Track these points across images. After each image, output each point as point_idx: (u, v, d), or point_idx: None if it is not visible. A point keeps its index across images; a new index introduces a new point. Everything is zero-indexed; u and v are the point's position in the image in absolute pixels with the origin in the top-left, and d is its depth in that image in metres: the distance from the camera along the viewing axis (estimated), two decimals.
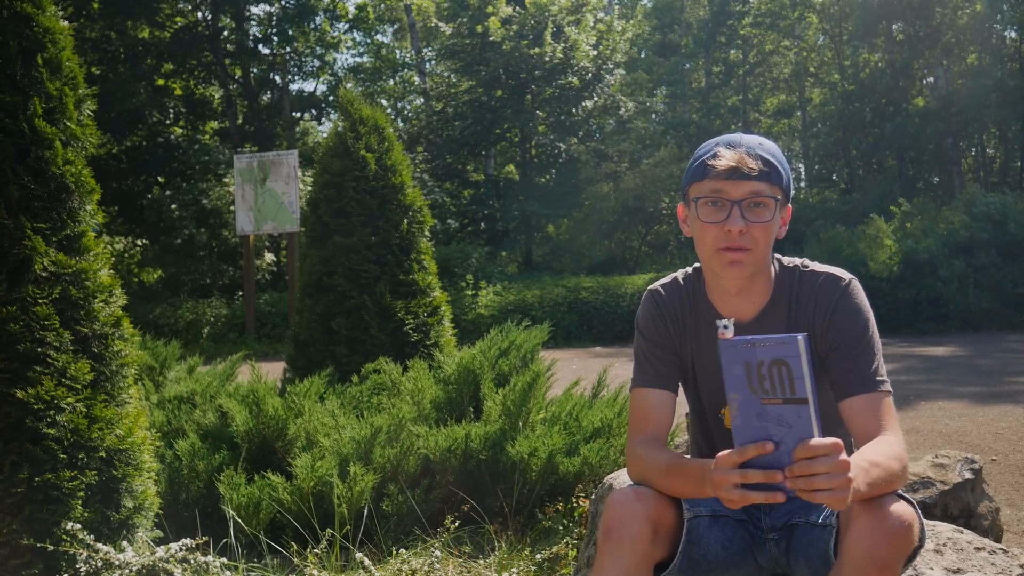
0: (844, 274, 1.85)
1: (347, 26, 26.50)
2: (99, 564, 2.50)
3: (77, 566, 2.48)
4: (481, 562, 3.04)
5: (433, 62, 24.81)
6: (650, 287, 2.01)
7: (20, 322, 2.48)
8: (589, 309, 14.94)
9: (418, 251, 5.11)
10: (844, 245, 14.75)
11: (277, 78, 24.75)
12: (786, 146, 29.66)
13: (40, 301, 2.51)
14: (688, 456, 1.89)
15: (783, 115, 28.83)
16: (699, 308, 1.93)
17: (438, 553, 2.92)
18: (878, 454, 1.63)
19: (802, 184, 28.27)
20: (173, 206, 18.24)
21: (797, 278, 1.88)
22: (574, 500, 3.43)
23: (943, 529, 2.21)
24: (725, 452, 1.48)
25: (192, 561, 2.65)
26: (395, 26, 28.51)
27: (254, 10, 26.34)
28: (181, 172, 21.29)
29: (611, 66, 22.01)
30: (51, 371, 2.51)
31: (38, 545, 2.45)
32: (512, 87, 21.10)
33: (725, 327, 1.43)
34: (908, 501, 1.65)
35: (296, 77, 25.97)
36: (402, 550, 2.98)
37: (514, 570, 2.86)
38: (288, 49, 24.44)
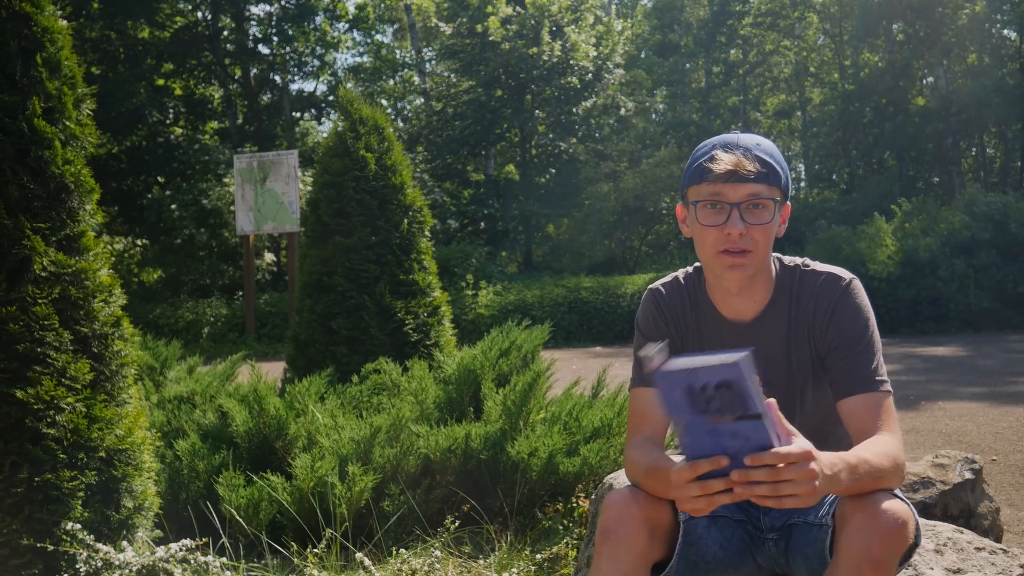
0: (845, 273, 1.86)
1: (347, 26, 26.51)
2: (99, 564, 2.49)
3: (77, 566, 2.48)
4: (481, 562, 3.04)
5: (433, 62, 24.81)
6: (650, 286, 2.00)
7: (20, 322, 2.48)
8: (589, 309, 14.94)
9: (418, 251, 5.11)
10: (843, 245, 14.75)
11: (277, 78, 24.76)
12: (786, 146, 29.66)
13: (40, 301, 2.51)
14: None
15: (783, 115, 28.83)
16: (700, 307, 1.93)
17: (438, 553, 2.92)
18: (867, 450, 1.64)
19: (802, 184, 28.27)
20: (173, 206, 18.25)
21: (798, 277, 1.88)
22: (574, 500, 3.43)
23: (943, 529, 2.21)
24: (678, 469, 1.46)
25: (192, 561, 2.65)
26: (395, 26, 28.52)
27: (254, 10, 26.37)
28: (181, 172, 21.29)
29: (611, 66, 22.02)
30: (51, 371, 2.51)
31: (38, 545, 2.45)
32: (512, 87, 21.10)
33: (658, 351, 1.36)
34: (903, 500, 1.65)
35: (296, 77, 26.00)
36: (402, 550, 2.98)
37: (514, 570, 2.86)
38: (288, 49, 24.44)
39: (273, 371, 5.08)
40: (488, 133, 21.58)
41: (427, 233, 5.23)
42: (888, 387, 1.78)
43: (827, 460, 1.50)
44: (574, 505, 3.39)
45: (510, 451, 3.37)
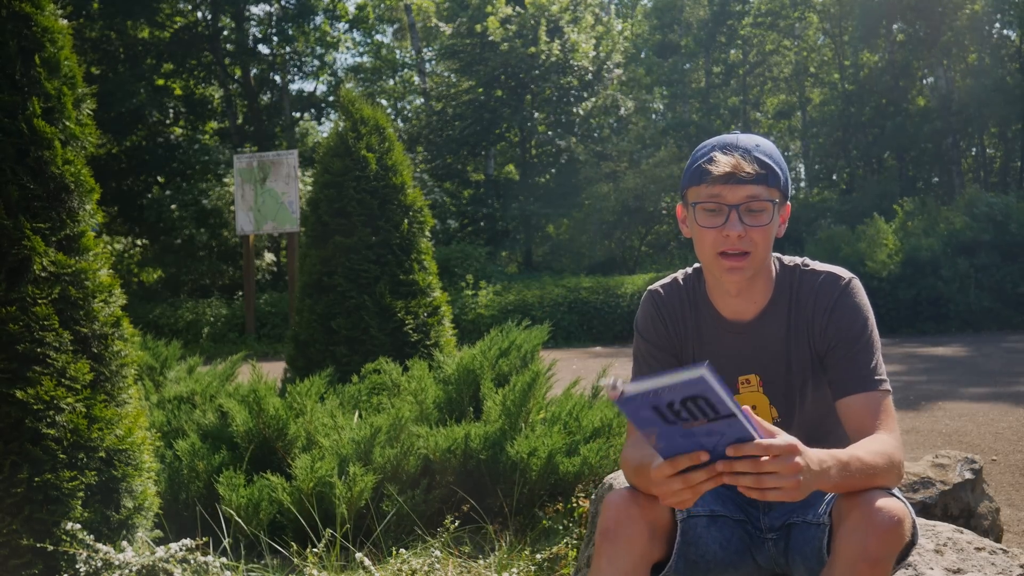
0: (844, 273, 1.86)
1: (347, 26, 26.51)
2: (99, 564, 2.49)
3: (77, 566, 2.48)
4: (481, 562, 3.04)
5: (433, 62, 24.81)
6: (649, 288, 2.00)
7: (19, 322, 2.48)
8: (589, 309, 14.94)
9: (418, 251, 5.11)
10: (843, 245, 14.75)
11: (277, 78, 24.76)
12: (786, 146, 29.66)
13: (39, 301, 2.50)
14: None
15: (783, 115, 28.83)
16: (699, 309, 1.93)
17: (438, 553, 2.92)
18: (861, 448, 1.64)
19: (802, 184, 28.27)
20: (173, 206, 18.25)
21: (797, 277, 1.88)
22: (574, 500, 3.43)
23: (943, 529, 2.21)
24: (657, 466, 1.47)
25: (192, 561, 2.65)
26: (395, 26, 28.52)
27: (254, 10, 26.35)
28: (181, 172, 21.30)
29: (611, 65, 22.02)
30: (51, 371, 2.51)
31: (38, 545, 2.45)
32: (511, 87, 21.11)
33: (613, 387, 1.34)
34: (900, 498, 1.65)
35: (296, 77, 26.02)
36: (402, 550, 2.98)
37: (514, 570, 2.86)
38: (288, 49, 24.44)
39: (273, 371, 5.08)
40: (488, 133, 21.58)
41: (427, 233, 5.23)
42: (887, 386, 1.78)
43: (816, 456, 1.51)
44: (574, 505, 3.39)
45: (510, 451, 3.37)
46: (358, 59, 35.21)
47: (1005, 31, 23.67)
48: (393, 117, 26.84)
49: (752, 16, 25.69)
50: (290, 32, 23.80)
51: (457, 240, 19.61)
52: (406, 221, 5.08)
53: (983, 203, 14.74)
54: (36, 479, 2.46)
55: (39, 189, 2.59)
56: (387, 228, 5.00)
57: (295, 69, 25.32)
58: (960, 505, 2.94)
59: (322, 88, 26.30)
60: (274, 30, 23.92)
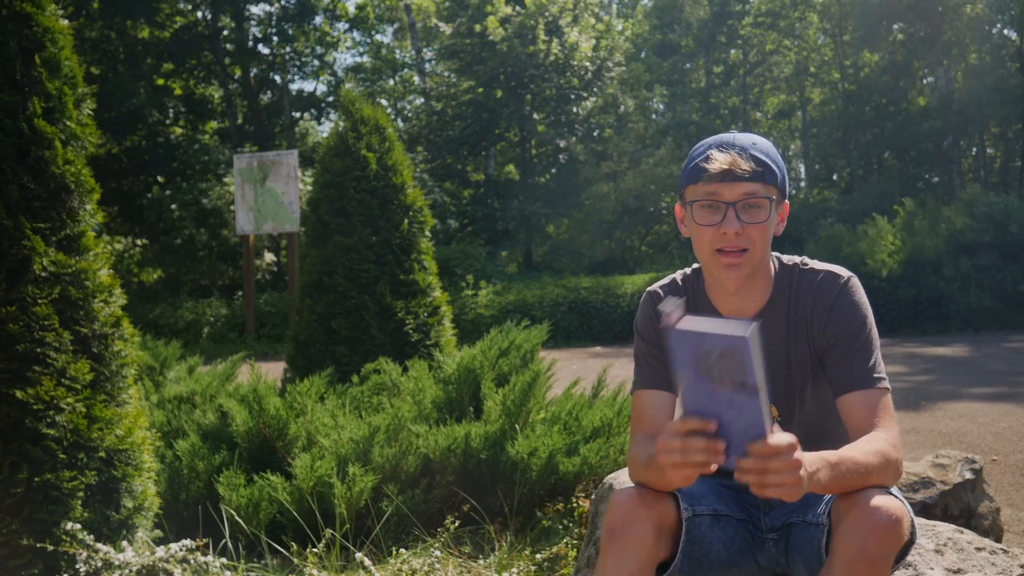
0: (843, 272, 1.86)
1: (347, 26, 26.50)
2: (99, 564, 2.49)
3: (77, 566, 2.48)
4: (481, 562, 3.04)
5: (433, 62, 24.81)
6: (649, 288, 2.01)
7: (20, 322, 2.48)
8: (589, 309, 14.93)
9: (418, 251, 5.11)
10: (844, 244, 14.75)
11: (277, 78, 24.75)
12: (786, 146, 29.65)
13: (40, 301, 2.50)
14: None
15: (783, 115, 28.82)
16: (699, 308, 1.93)
17: (438, 553, 2.91)
18: (854, 448, 1.64)
19: (802, 184, 28.25)
20: (173, 206, 18.25)
21: (796, 276, 1.88)
22: (574, 500, 3.43)
23: (943, 529, 2.21)
24: (671, 424, 1.49)
25: (192, 561, 2.65)
26: (395, 26, 28.51)
27: (254, 10, 26.39)
28: (181, 172, 21.30)
29: (611, 65, 22.02)
30: (51, 371, 2.51)
31: (38, 545, 2.45)
32: (511, 87, 21.11)
33: (675, 306, 1.42)
34: (898, 498, 1.65)
35: (296, 77, 25.99)
36: (402, 550, 2.98)
37: (514, 570, 2.86)
38: (288, 49, 24.43)
39: (273, 371, 5.08)
40: (488, 133, 21.58)
41: (427, 233, 5.23)
42: (886, 384, 1.78)
43: (807, 459, 1.51)
44: (574, 505, 3.39)
45: (510, 451, 3.37)
46: (358, 59, 35.22)
47: (1005, 31, 23.67)
48: (393, 117, 26.84)
49: (752, 16, 25.69)
50: (290, 32, 23.80)
51: (457, 240, 19.61)
52: (406, 221, 5.08)
53: (984, 203, 14.75)
54: (36, 479, 2.46)
55: (39, 189, 2.59)
56: (387, 228, 5.00)
57: (295, 69, 25.31)
58: (960, 505, 2.94)
59: (322, 88, 26.31)
60: (274, 30, 23.91)
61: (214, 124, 24.52)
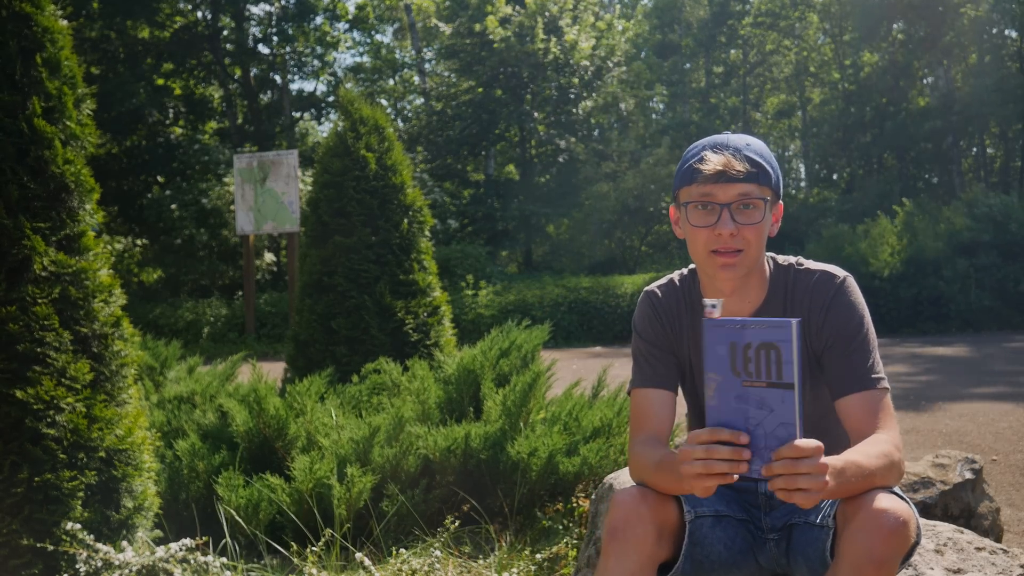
0: (839, 272, 1.86)
1: (347, 26, 26.50)
2: (99, 564, 2.49)
3: (77, 566, 2.48)
4: (481, 562, 3.04)
5: (433, 62, 24.81)
6: (646, 288, 2.01)
7: (20, 322, 2.48)
8: (589, 309, 14.93)
9: (418, 251, 5.11)
10: (846, 244, 14.75)
11: (277, 78, 24.75)
12: (786, 146, 29.66)
13: (40, 301, 2.50)
14: None
15: (783, 115, 28.83)
16: (695, 308, 1.93)
17: (438, 553, 2.91)
18: (858, 452, 1.64)
19: (802, 184, 28.27)
20: (173, 206, 18.24)
21: (792, 276, 1.88)
22: (574, 500, 3.43)
23: (943, 529, 2.21)
24: (697, 431, 1.49)
25: (192, 561, 2.65)
26: (395, 26, 28.51)
27: (254, 10, 26.38)
28: (181, 172, 21.30)
29: (611, 65, 22.01)
30: (51, 371, 2.51)
31: (38, 545, 2.45)
32: (511, 87, 21.11)
33: (713, 307, 1.46)
34: (903, 499, 1.65)
35: (296, 77, 25.99)
36: (402, 550, 2.98)
37: (514, 570, 2.86)
38: (288, 49, 24.43)
39: (273, 371, 5.08)
40: (488, 133, 21.58)
41: (427, 233, 5.23)
42: (885, 384, 1.78)
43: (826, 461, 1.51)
44: (574, 505, 3.39)
45: (510, 451, 3.37)
46: (358, 59, 35.22)
47: (1005, 31, 23.66)
48: (393, 117, 26.85)
49: (752, 16, 25.69)
50: (290, 32, 23.80)
51: (457, 240, 19.61)
52: (406, 221, 5.07)
53: (984, 203, 14.75)
54: (36, 479, 2.46)
55: (39, 189, 2.59)
56: (387, 228, 5.00)
57: (295, 69, 25.31)
58: (960, 505, 2.94)
59: (322, 88, 26.31)
60: (274, 30, 23.91)
61: (214, 124, 24.53)
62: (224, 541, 3.08)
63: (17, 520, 2.45)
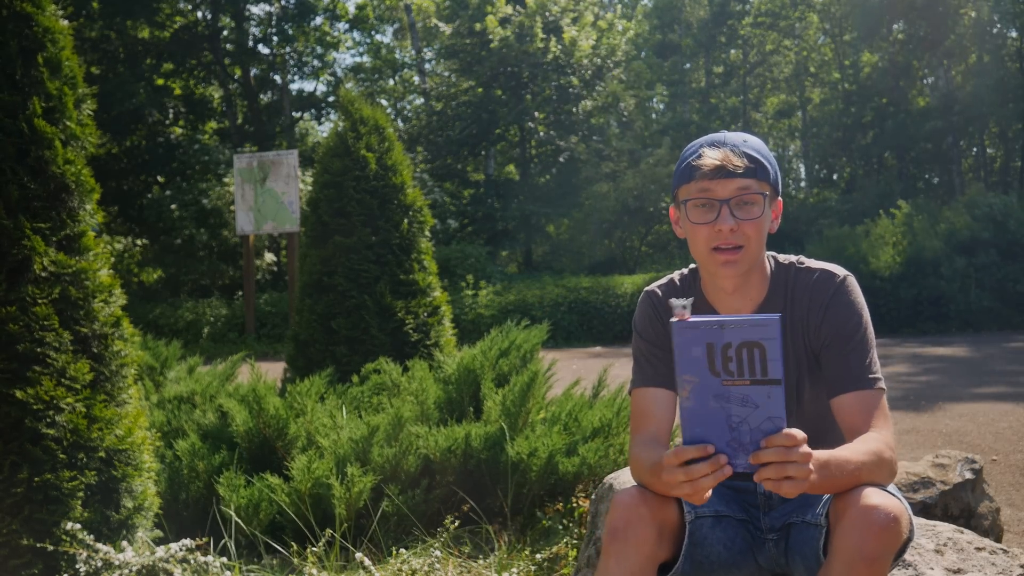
0: (839, 271, 1.86)
1: (347, 26, 26.50)
2: (99, 564, 2.49)
3: (77, 566, 2.48)
4: (481, 562, 3.04)
5: (433, 62, 24.81)
6: (646, 288, 2.01)
7: (19, 322, 2.48)
8: (589, 309, 14.93)
9: (418, 251, 5.11)
10: (848, 244, 14.76)
11: (277, 78, 24.75)
12: (786, 146, 29.65)
13: (40, 301, 2.50)
14: None
15: (783, 115, 28.83)
16: (696, 308, 1.93)
17: (438, 553, 2.91)
18: (844, 448, 1.65)
19: (802, 184, 28.26)
20: (173, 206, 18.25)
21: (792, 275, 1.88)
22: (574, 500, 3.43)
23: (943, 529, 2.21)
24: (668, 453, 1.49)
25: (192, 561, 2.65)
26: (395, 26, 28.51)
27: (254, 10, 26.36)
28: (181, 172, 21.30)
29: (611, 64, 22.02)
30: (50, 371, 2.51)
31: (38, 545, 2.45)
32: (511, 87, 21.11)
33: (683, 307, 1.40)
34: (895, 496, 1.65)
35: (296, 77, 25.99)
36: (402, 550, 2.98)
37: (514, 570, 2.86)
38: (288, 49, 24.43)
39: (273, 371, 5.08)
40: (488, 133, 21.58)
41: (427, 233, 5.23)
42: (882, 385, 1.78)
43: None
44: (574, 505, 3.39)
45: (510, 451, 3.37)
46: (358, 59, 35.21)
47: (1006, 31, 23.66)
48: (393, 117, 26.85)
49: (752, 16, 25.70)
50: (290, 32, 23.80)
51: (457, 240, 19.61)
52: (406, 221, 5.08)
53: (984, 203, 14.76)
54: (36, 479, 2.46)
55: (39, 189, 2.59)
56: (387, 228, 5.00)
57: (295, 69, 25.32)
58: (960, 505, 2.94)
59: (322, 88, 26.32)
60: (274, 30, 23.92)
61: (214, 124, 24.53)
62: (224, 541, 3.08)
63: (17, 520, 2.45)
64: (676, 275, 1.99)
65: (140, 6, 20.59)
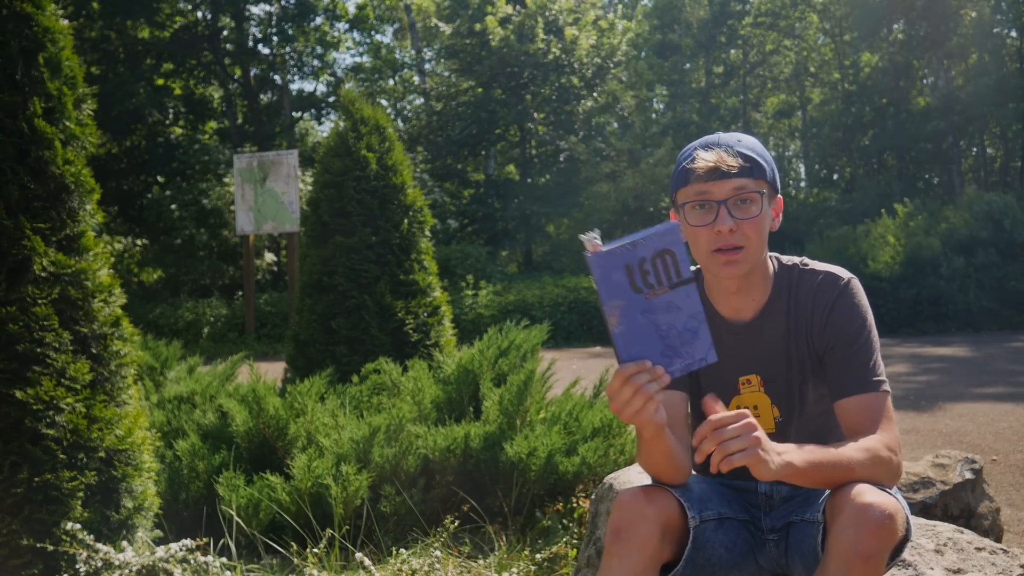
0: (843, 273, 1.85)
1: (347, 26, 26.51)
2: (99, 564, 2.49)
3: (77, 566, 2.48)
4: (481, 562, 3.04)
5: (433, 62, 24.82)
6: None
7: (19, 322, 2.48)
8: (589, 309, 14.93)
9: (418, 251, 5.11)
10: (849, 245, 14.76)
11: (277, 78, 24.76)
12: (786, 146, 29.65)
13: (39, 301, 2.50)
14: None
15: (783, 115, 28.83)
16: None
17: (438, 553, 2.91)
18: (840, 444, 1.67)
19: (802, 184, 28.26)
20: (173, 206, 18.26)
21: (796, 276, 1.88)
22: (574, 500, 3.43)
23: (943, 529, 2.21)
24: (610, 381, 1.54)
25: (192, 561, 2.65)
26: (395, 26, 28.51)
27: (254, 10, 26.35)
28: (181, 172, 21.31)
29: (611, 64, 22.02)
30: (50, 371, 2.51)
31: (38, 545, 2.45)
32: (511, 87, 21.12)
33: (594, 239, 1.46)
34: (891, 494, 1.65)
35: (296, 77, 26.02)
36: (402, 550, 2.98)
37: (514, 570, 2.86)
38: (288, 49, 24.44)
39: (273, 371, 5.08)
40: (488, 133, 21.59)
41: (427, 233, 5.23)
42: (886, 387, 1.78)
43: (777, 445, 1.58)
44: (574, 505, 3.39)
45: (509, 451, 3.37)
46: (358, 59, 35.22)
47: (1006, 32, 23.66)
48: (393, 117, 26.85)
49: (752, 16, 25.69)
50: (290, 32, 23.81)
51: (457, 240, 19.62)
52: (406, 221, 5.08)
53: (983, 203, 14.77)
54: (36, 479, 2.46)
55: (39, 189, 2.59)
56: (387, 228, 5.00)
57: (295, 69, 25.32)
58: (960, 505, 2.94)
59: (322, 88, 26.32)
60: (274, 30, 23.92)
61: (214, 124, 24.53)
62: (224, 541, 3.08)
63: (17, 520, 2.45)
64: None
65: (140, 6, 20.59)
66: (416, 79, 26.10)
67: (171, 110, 23.11)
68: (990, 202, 14.69)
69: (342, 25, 26.31)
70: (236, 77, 23.81)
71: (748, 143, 1.80)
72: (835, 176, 27.27)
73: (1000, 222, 14.25)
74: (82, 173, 2.69)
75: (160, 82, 22.40)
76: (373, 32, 27.78)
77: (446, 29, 21.62)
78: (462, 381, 3.91)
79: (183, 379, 5.00)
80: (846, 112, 24.28)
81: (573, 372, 8.81)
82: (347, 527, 3.16)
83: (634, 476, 2.62)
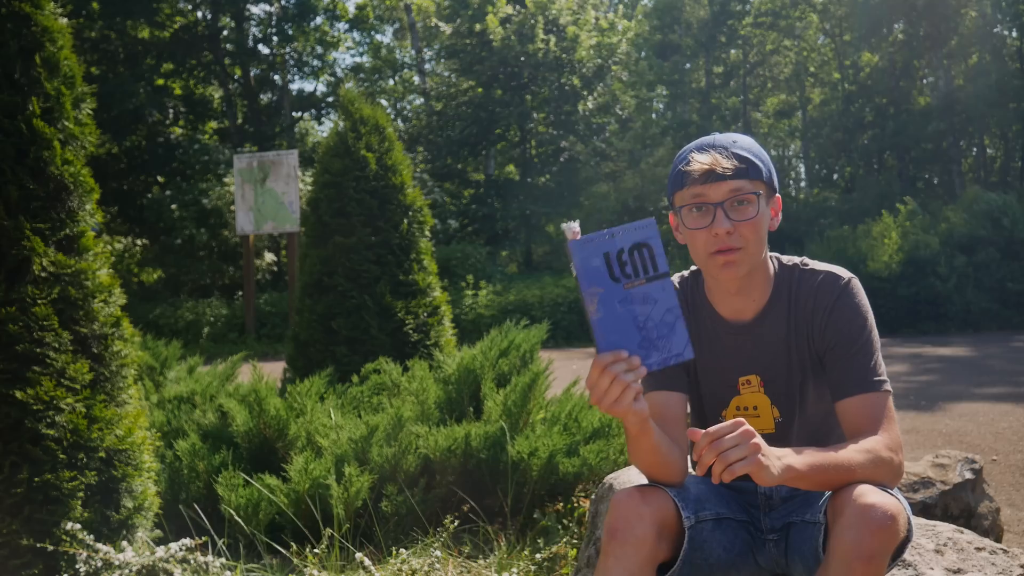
0: (844, 273, 1.85)
1: (347, 26, 26.51)
2: (99, 564, 2.49)
3: (77, 566, 2.48)
4: (481, 562, 3.04)
5: (433, 62, 24.82)
6: None
7: (19, 322, 2.48)
8: None
9: (418, 251, 5.11)
10: (849, 245, 14.76)
11: (277, 78, 24.76)
12: (786, 146, 29.64)
13: (39, 301, 2.50)
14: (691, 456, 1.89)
15: (783, 115, 28.81)
16: (698, 310, 1.92)
17: (438, 553, 2.91)
18: (839, 445, 1.67)
19: (802, 184, 28.25)
20: (173, 206, 18.26)
21: (796, 277, 1.88)
22: (574, 500, 3.43)
23: (943, 529, 2.21)
24: (589, 372, 1.56)
25: (192, 561, 2.65)
26: (395, 26, 28.51)
27: (254, 10, 26.37)
28: (181, 172, 21.31)
29: (610, 64, 22.03)
30: (50, 371, 2.51)
31: (38, 545, 2.45)
32: (512, 86, 21.12)
33: (574, 228, 1.52)
34: (893, 495, 1.65)
35: (296, 77, 26.02)
36: (402, 550, 2.98)
37: (514, 570, 2.86)
38: (288, 49, 24.44)
39: (273, 371, 5.08)
40: (488, 133, 21.59)
41: (427, 233, 5.23)
42: (887, 387, 1.77)
43: (776, 450, 1.58)
44: (574, 505, 3.39)
45: (510, 451, 3.37)
46: (358, 59, 35.21)
47: (1006, 32, 23.65)
48: (393, 117, 26.84)
49: (752, 16, 25.67)
50: (290, 32, 23.81)
51: (457, 240, 19.62)
52: (406, 221, 5.07)
53: (983, 202, 14.76)
54: (36, 479, 2.46)
55: (39, 189, 2.59)
56: (387, 228, 5.00)
57: (295, 69, 25.32)
58: (960, 505, 2.94)
59: (322, 88, 26.33)
60: (274, 30, 23.92)
61: (214, 124, 24.53)
62: (224, 541, 3.08)
63: (17, 520, 2.45)
64: (676, 277, 1.98)
65: (140, 6, 20.59)
66: (416, 79, 26.10)
67: (171, 110, 23.12)
68: (990, 201, 14.69)
69: (342, 25, 26.32)
70: (236, 77, 23.82)
71: (744, 144, 1.79)
72: (835, 176, 27.26)
73: (1000, 221, 14.25)
74: (81, 173, 2.69)
75: (160, 82, 22.40)
76: (373, 32, 27.78)
77: (446, 29, 21.63)
78: (463, 381, 3.91)
79: (183, 379, 5.00)
80: (846, 112, 24.26)
81: (573, 372, 8.80)
82: (347, 527, 3.16)
83: (634, 476, 2.62)
